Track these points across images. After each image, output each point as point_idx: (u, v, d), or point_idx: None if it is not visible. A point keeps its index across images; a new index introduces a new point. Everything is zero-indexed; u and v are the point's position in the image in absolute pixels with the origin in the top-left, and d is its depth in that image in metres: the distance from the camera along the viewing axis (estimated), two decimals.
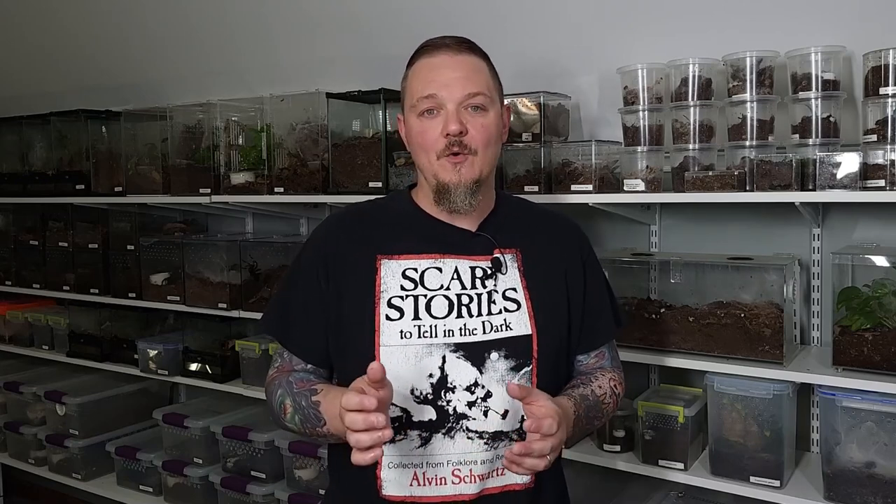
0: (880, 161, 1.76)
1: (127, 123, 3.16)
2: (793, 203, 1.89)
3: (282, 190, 2.66)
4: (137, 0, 3.23)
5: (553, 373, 1.39)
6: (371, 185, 2.42)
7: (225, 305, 2.84)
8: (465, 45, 1.39)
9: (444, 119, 1.34)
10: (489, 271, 1.38)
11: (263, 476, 2.84)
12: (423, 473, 1.31)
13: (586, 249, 1.51)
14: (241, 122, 2.84)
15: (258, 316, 2.73)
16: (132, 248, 3.18)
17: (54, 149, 3.44)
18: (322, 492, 2.66)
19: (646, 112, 2.05)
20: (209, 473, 2.96)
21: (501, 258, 1.39)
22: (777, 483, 1.90)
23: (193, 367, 3.02)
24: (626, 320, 1.59)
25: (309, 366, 1.44)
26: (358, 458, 1.13)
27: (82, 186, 3.27)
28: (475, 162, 1.35)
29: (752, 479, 1.92)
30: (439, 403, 1.31)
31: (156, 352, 3.08)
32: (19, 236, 3.70)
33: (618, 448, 2.16)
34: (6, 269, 3.72)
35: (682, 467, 2.03)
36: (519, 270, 1.40)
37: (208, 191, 2.84)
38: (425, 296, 1.35)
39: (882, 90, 1.77)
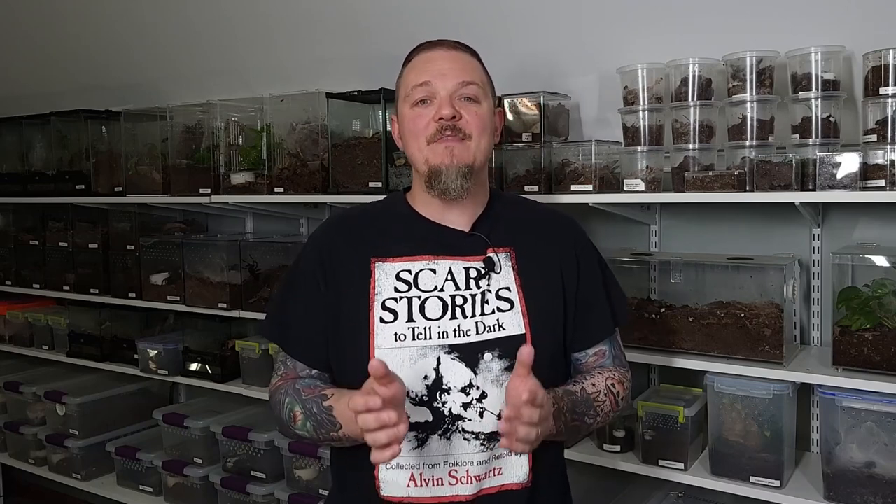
0: (880, 161, 1.76)
1: (127, 123, 3.16)
2: (793, 203, 1.88)
3: (282, 190, 2.66)
4: (137, 0, 3.23)
5: (550, 372, 1.37)
6: (371, 185, 2.42)
7: (225, 305, 2.84)
8: (461, 45, 1.44)
9: (436, 106, 1.36)
10: (482, 271, 1.38)
11: (263, 476, 2.84)
12: (420, 474, 1.31)
13: (581, 244, 1.50)
14: (241, 122, 2.84)
15: (258, 316, 2.74)
16: (132, 248, 3.18)
17: (54, 149, 3.44)
18: (322, 492, 2.67)
19: (646, 112, 2.05)
20: (209, 473, 2.96)
21: (495, 257, 1.39)
22: (777, 483, 1.89)
23: (193, 367, 3.02)
24: (626, 318, 1.56)
25: (314, 371, 1.43)
26: (377, 456, 1.15)
27: (82, 186, 3.27)
28: (470, 146, 1.36)
29: (752, 479, 1.92)
30: (435, 405, 1.31)
31: (156, 352, 3.08)
32: (19, 236, 3.70)
33: (618, 448, 2.16)
34: (6, 269, 3.72)
35: (682, 467, 2.03)
36: (513, 269, 1.40)
37: (208, 191, 2.84)
38: (419, 297, 1.35)
39: (882, 90, 1.77)
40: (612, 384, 1.44)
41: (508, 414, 1.15)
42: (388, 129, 2.39)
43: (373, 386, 1.14)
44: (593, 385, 1.42)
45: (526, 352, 1.17)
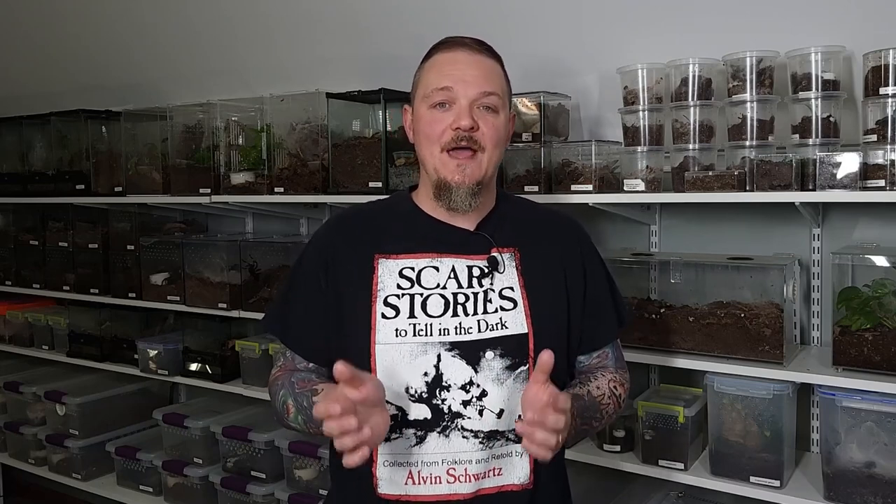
0: (880, 161, 1.76)
1: (127, 123, 3.16)
2: (793, 203, 1.88)
3: (282, 190, 2.66)
4: (137, 0, 3.23)
5: (553, 372, 1.38)
6: (371, 185, 2.42)
7: (225, 305, 2.84)
8: (485, 47, 1.42)
9: (455, 113, 1.34)
10: (486, 270, 1.38)
11: (263, 476, 2.84)
12: (418, 472, 1.31)
13: (586, 248, 1.50)
14: (241, 122, 2.84)
15: (258, 316, 2.74)
16: (132, 248, 3.18)
17: (54, 149, 3.44)
18: (322, 492, 2.67)
19: (646, 112, 2.05)
20: (209, 473, 2.96)
21: (498, 257, 1.39)
22: (777, 483, 1.89)
23: (193, 367, 3.02)
24: (629, 319, 1.56)
25: (311, 364, 1.44)
26: (347, 460, 1.15)
27: (82, 186, 3.27)
28: (482, 160, 1.36)
29: (752, 479, 1.92)
30: (434, 402, 1.31)
31: (156, 352, 3.08)
32: (19, 236, 3.70)
33: (618, 448, 2.16)
34: (6, 269, 3.72)
35: (682, 467, 2.03)
36: (516, 269, 1.40)
37: (208, 191, 2.84)
38: (421, 294, 1.35)
39: (882, 90, 1.77)
40: (615, 386, 1.45)
41: (531, 417, 1.16)
42: (392, 128, 2.41)
43: (343, 390, 1.14)
44: (598, 388, 1.42)
45: (546, 357, 1.18)
